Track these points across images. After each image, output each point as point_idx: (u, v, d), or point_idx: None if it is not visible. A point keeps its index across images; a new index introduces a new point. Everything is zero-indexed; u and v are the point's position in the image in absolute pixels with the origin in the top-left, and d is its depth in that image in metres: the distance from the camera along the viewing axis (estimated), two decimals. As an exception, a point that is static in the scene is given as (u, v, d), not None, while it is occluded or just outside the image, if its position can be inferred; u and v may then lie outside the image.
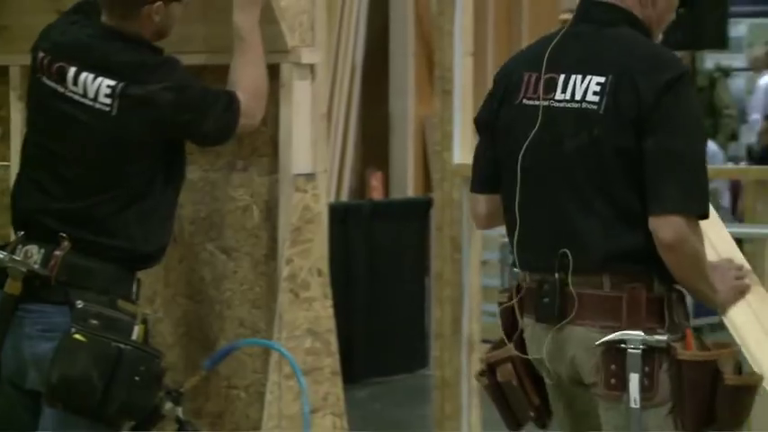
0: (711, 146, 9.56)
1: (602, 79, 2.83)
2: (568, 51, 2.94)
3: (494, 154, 3.04)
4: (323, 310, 3.54)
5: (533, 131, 2.90)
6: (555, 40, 2.98)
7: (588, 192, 2.84)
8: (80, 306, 3.13)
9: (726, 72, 12.11)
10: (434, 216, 5.02)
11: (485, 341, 4.96)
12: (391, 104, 8.19)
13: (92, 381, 3.09)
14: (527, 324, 2.97)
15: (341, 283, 5.95)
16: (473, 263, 4.81)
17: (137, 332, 3.17)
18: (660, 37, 3.05)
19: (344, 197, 7.75)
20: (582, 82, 2.87)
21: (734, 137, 11.40)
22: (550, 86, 2.92)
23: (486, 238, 5.88)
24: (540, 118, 2.90)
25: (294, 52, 3.47)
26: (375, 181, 8.12)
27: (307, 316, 3.51)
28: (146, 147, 3.21)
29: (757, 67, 12.07)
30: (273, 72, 3.45)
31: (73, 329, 3.10)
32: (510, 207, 2.96)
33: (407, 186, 8.23)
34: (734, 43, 11.11)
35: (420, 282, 7.17)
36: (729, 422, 2.87)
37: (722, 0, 8.02)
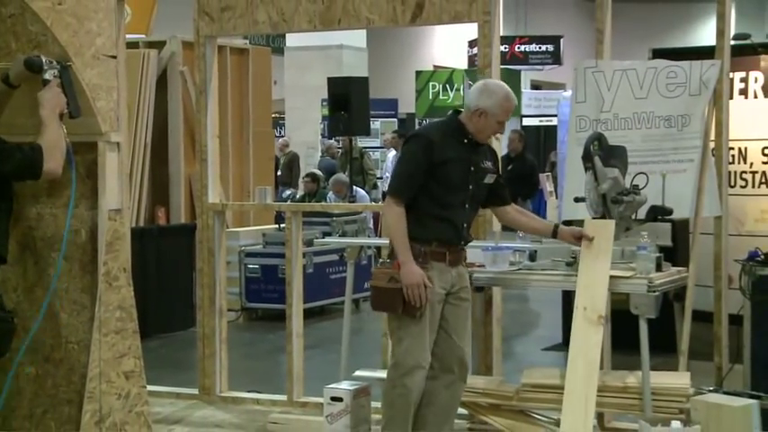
0: (362, 191, 11.41)
1: None
2: None
3: None
4: (127, 293, 4.09)
5: None
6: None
7: None
8: None
9: (367, 149, 14.78)
10: (198, 234, 5.87)
11: (230, 310, 6.98)
12: (170, 166, 9.30)
13: None
14: None
15: (139, 276, 6.90)
16: (222, 263, 5.82)
17: None
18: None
19: (141, 223, 8.83)
20: None
21: (375, 186, 13.67)
22: None
23: (229, 247, 7.22)
24: None
25: (106, 135, 4.03)
26: (160, 213, 9.18)
27: (117, 297, 4.05)
28: None
29: (387, 146, 15.62)
30: (93, 147, 4.02)
31: None
32: None
33: (181, 217, 9.24)
34: (373, 132, 14.94)
35: (190, 274, 8.03)
36: (386, 307, 4.23)
37: (366, 108, 9.91)
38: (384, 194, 4.48)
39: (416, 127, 17.82)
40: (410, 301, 4.13)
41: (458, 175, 4.29)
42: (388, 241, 4.36)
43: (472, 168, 4.33)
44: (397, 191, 4.23)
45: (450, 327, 4.34)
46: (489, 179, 4.43)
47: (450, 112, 4.53)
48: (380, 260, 4.35)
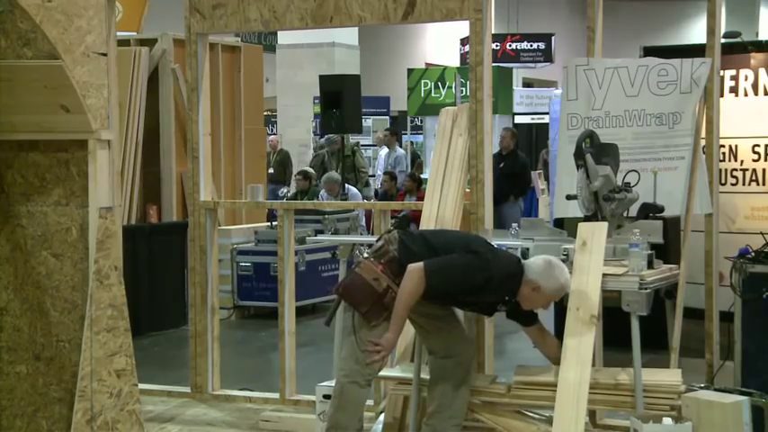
0: (354, 189, 11.26)
1: None
2: None
3: None
4: (119, 291, 4.06)
5: None
6: None
7: None
8: None
9: (360, 146, 14.39)
10: (189, 232, 5.84)
11: (222, 308, 6.86)
12: (161, 164, 9.18)
13: None
14: None
15: (131, 274, 6.88)
16: (213, 261, 5.80)
17: None
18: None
19: (133, 222, 8.65)
20: None
21: (367, 184, 13.42)
22: None
23: (221, 245, 7.17)
24: None
25: (96, 132, 4.00)
26: (152, 211, 9.07)
27: (108, 295, 4.01)
28: None
29: (379, 143, 15.76)
30: (83, 145, 3.99)
31: None
32: None
33: (173, 214, 9.14)
34: (365, 130, 14.86)
35: (182, 272, 8.06)
36: (355, 299, 4.22)
37: (358, 106, 9.88)
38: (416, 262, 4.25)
39: (408, 124, 17.90)
40: (371, 354, 4.18)
41: (463, 308, 4.49)
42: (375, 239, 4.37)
43: (477, 313, 4.61)
44: (435, 280, 4.13)
45: (434, 325, 4.47)
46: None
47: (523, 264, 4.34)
48: (366, 254, 4.31)
